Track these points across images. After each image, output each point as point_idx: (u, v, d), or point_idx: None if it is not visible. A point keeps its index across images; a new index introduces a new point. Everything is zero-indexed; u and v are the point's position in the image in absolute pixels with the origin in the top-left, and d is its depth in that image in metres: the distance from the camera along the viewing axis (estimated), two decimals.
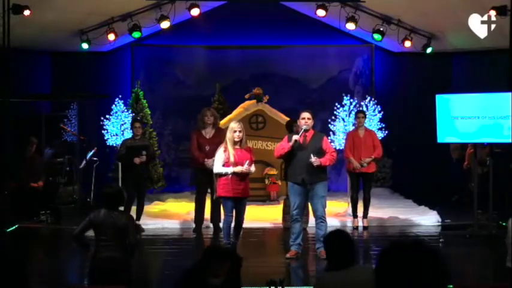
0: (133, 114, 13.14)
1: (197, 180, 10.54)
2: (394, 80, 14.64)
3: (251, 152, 8.72)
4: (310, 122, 8.55)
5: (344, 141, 11.80)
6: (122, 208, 9.33)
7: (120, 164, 11.43)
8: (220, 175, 8.46)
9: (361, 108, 12.00)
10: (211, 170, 9.65)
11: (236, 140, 8.47)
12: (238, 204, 8.54)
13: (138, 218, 10.56)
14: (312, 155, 8.36)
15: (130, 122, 11.61)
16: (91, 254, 6.16)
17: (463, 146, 12.60)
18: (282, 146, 8.63)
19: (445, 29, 13.08)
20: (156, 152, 13.02)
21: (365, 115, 11.12)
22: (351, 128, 11.77)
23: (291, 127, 10.13)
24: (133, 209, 10.64)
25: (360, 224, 10.82)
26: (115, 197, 6.13)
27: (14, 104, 10.24)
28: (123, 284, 5.77)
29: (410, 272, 2.59)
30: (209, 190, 10.32)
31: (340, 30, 13.68)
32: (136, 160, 10.36)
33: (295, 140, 8.42)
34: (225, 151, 8.45)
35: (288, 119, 12.21)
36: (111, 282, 5.80)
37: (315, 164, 8.33)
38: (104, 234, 5.99)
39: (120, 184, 11.65)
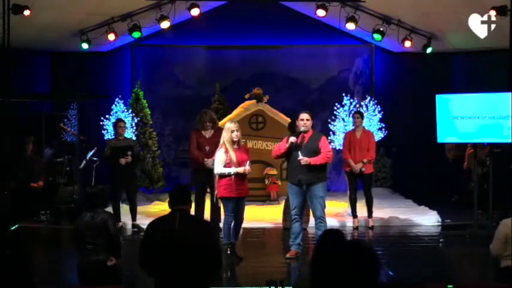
0: (133, 114, 13.15)
1: (196, 181, 10.53)
2: (394, 80, 14.64)
3: (248, 152, 8.74)
4: (309, 123, 8.53)
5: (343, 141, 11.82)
6: (109, 209, 9.36)
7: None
8: (222, 176, 8.44)
9: (359, 109, 11.99)
10: (211, 170, 9.66)
11: (235, 139, 8.47)
12: (239, 204, 8.55)
13: (134, 218, 10.57)
14: (300, 154, 8.36)
15: (113, 122, 11.47)
16: (78, 258, 6.11)
17: (458, 147, 12.60)
18: (279, 147, 8.65)
19: (445, 29, 13.09)
20: (151, 151, 13.04)
21: (361, 116, 11.07)
22: (351, 128, 11.77)
23: (293, 127, 10.13)
24: (127, 209, 10.67)
25: (361, 224, 10.84)
26: (94, 197, 6.10)
27: (14, 104, 10.23)
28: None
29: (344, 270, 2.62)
30: (208, 190, 10.32)
31: (340, 30, 13.68)
32: (122, 161, 10.36)
33: (291, 142, 8.42)
34: (225, 152, 8.43)
35: (288, 119, 12.21)
36: (100, 285, 5.79)
37: (302, 163, 8.33)
38: (88, 236, 5.96)
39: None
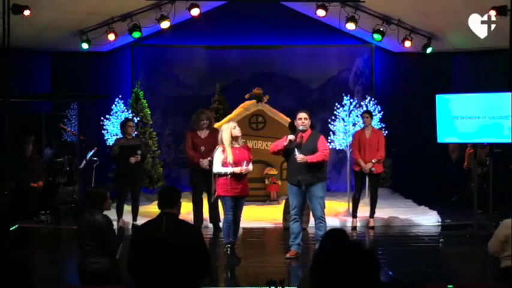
0: (133, 114, 13.14)
1: (193, 181, 10.52)
2: (394, 80, 14.64)
3: (249, 150, 8.72)
4: (307, 123, 8.55)
5: (343, 141, 11.81)
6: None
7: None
8: (219, 175, 8.46)
9: (364, 109, 11.98)
10: (207, 170, 9.67)
11: (238, 134, 8.47)
12: (237, 204, 8.54)
13: (135, 218, 10.57)
14: (297, 152, 8.35)
15: (121, 121, 11.45)
16: (78, 258, 6.11)
17: (462, 147, 12.61)
18: (277, 143, 8.64)
19: (445, 29, 13.08)
20: (151, 151, 13.02)
21: (371, 115, 11.11)
22: (351, 127, 11.76)
23: (294, 127, 10.12)
24: (129, 209, 10.67)
25: (358, 224, 10.84)
26: (93, 198, 6.07)
27: (14, 104, 10.23)
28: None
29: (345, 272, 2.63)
30: (205, 189, 10.30)
31: (340, 30, 13.67)
32: (132, 160, 10.37)
33: (290, 140, 8.42)
34: (223, 151, 8.44)
35: (288, 119, 12.20)
36: (100, 285, 5.78)
37: (298, 161, 8.32)
38: (86, 238, 5.96)
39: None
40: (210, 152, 9.66)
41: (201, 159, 10.06)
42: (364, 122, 10.95)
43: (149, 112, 13.76)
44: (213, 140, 9.61)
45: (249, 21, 14.03)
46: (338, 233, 4.42)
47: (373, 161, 10.59)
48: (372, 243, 9.98)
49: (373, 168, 10.60)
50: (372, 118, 11.08)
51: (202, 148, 10.14)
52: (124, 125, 10.85)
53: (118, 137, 11.47)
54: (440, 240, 10.24)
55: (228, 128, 8.50)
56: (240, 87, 13.96)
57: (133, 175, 10.51)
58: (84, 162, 12.22)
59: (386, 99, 13.76)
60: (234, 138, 8.48)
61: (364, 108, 12.10)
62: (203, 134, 10.31)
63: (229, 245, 8.54)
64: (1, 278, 3.51)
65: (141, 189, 11.32)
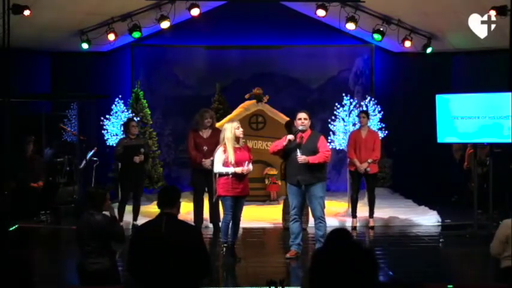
0: (133, 114, 13.15)
1: (194, 181, 10.53)
2: (394, 80, 14.64)
3: (249, 150, 8.72)
4: (307, 123, 8.54)
5: (343, 140, 11.81)
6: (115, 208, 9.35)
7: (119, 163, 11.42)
8: (220, 175, 8.45)
9: (363, 109, 11.98)
10: (209, 170, 9.66)
11: (241, 135, 8.47)
12: (237, 203, 8.54)
13: (135, 218, 10.55)
14: (298, 153, 8.35)
15: (124, 121, 11.47)
16: (78, 261, 6.11)
17: (465, 147, 12.61)
18: (277, 143, 8.63)
19: (445, 29, 13.09)
20: (151, 151, 13.03)
21: (367, 115, 11.09)
22: (351, 128, 11.76)
23: (290, 127, 10.13)
24: (130, 209, 10.67)
25: (358, 224, 10.84)
26: (92, 198, 6.05)
27: (14, 103, 10.23)
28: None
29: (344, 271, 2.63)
30: (206, 189, 10.30)
31: (340, 30, 13.67)
32: (136, 159, 10.38)
33: (289, 140, 8.42)
34: (224, 151, 8.43)
35: (288, 119, 12.21)
36: (99, 285, 5.79)
37: (299, 161, 8.32)
38: (86, 238, 5.95)
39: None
40: (212, 152, 9.66)
41: (203, 159, 10.06)
42: (360, 122, 10.95)
43: (149, 112, 13.76)
44: (216, 140, 9.60)
45: (249, 21, 14.03)
46: (342, 233, 4.41)
47: (369, 161, 10.59)
48: (372, 243, 9.98)
49: (368, 169, 10.60)
50: (368, 118, 11.07)
51: (205, 148, 10.14)
52: (127, 125, 10.86)
53: (121, 137, 11.49)
54: (440, 240, 10.24)
55: (231, 128, 8.47)
56: (240, 87, 13.97)
57: (137, 175, 10.52)
58: (84, 162, 12.22)
59: (386, 99, 13.76)
60: (235, 139, 8.48)
61: (364, 108, 12.09)
62: (205, 133, 10.31)
63: (225, 245, 8.52)
64: (1, 278, 3.51)
65: (143, 189, 11.31)
